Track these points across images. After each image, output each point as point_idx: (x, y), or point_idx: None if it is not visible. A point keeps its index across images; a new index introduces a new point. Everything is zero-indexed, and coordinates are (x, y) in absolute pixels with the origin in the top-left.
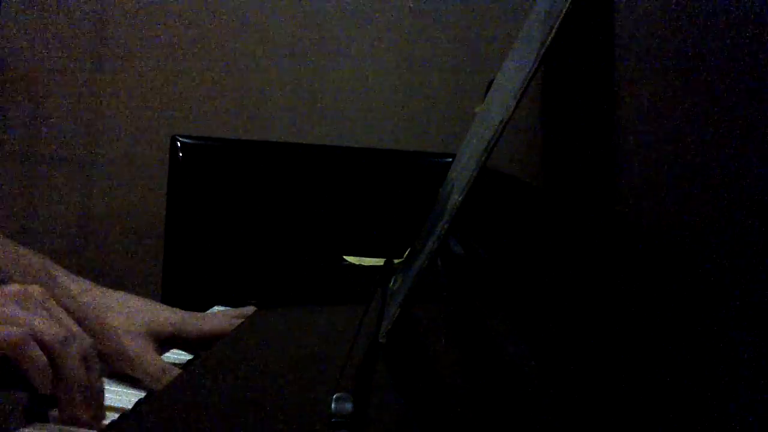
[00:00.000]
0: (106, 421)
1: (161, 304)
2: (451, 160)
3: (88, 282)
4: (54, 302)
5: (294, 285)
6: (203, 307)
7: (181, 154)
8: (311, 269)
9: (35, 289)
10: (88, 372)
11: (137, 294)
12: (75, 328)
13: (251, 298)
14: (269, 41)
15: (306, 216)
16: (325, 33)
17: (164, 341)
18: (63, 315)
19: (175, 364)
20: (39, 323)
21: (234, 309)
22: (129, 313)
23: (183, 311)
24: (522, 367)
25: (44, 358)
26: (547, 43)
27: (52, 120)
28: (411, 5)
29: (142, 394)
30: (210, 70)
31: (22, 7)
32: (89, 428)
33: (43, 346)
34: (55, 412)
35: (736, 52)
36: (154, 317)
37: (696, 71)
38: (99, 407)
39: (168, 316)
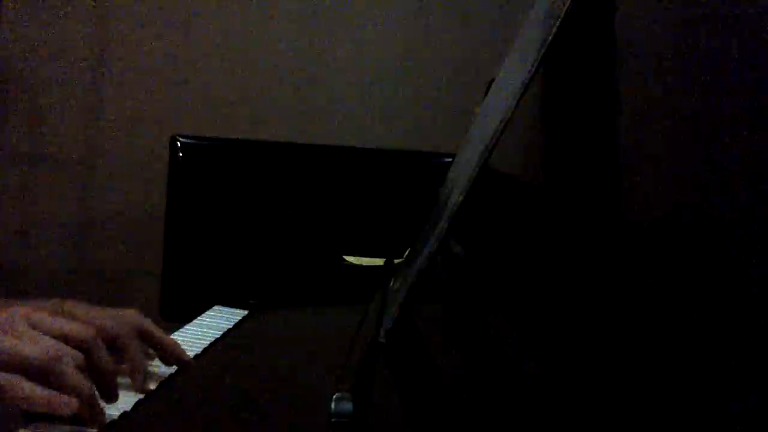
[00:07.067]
0: (107, 421)
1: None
2: (451, 160)
3: None
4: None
5: (294, 285)
6: (203, 307)
7: (181, 154)
8: (311, 269)
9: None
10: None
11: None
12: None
13: (251, 298)
14: (269, 41)
15: (306, 216)
16: (325, 33)
17: None
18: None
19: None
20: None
21: None
22: None
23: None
24: (522, 367)
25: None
26: (547, 43)
27: (52, 120)
28: (411, 5)
29: (142, 395)
30: (210, 70)
31: (22, 7)
32: (90, 428)
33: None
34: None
35: (736, 51)
36: None
37: (696, 71)
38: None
39: None
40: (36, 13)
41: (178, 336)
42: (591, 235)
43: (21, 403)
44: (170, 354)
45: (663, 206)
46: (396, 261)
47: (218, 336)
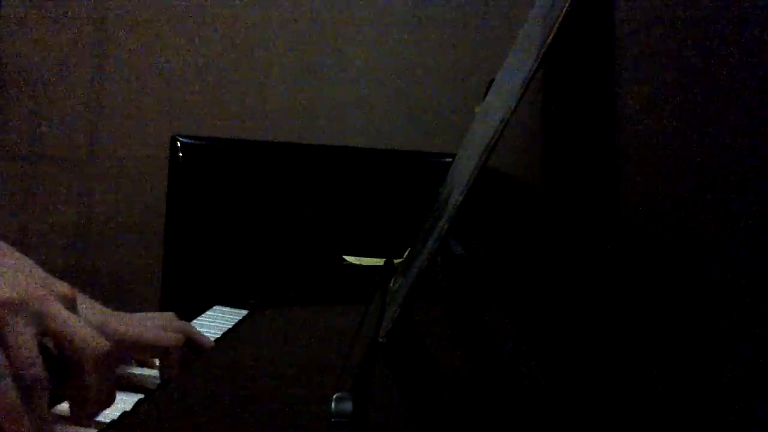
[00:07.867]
0: (107, 421)
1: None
2: (451, 160)
3: None
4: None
5: (294, 285)
6: (203, 307)
7: (181, 154)
8: (311, 269)
9: None
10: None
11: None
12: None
13: (251, 298)
14: (269, 41)
15: (306, 216)
16: (325, 33)
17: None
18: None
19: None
20: None
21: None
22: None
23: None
24: (522, 367)
25: None
26: (547, 43)
27: (52, 120)
28: (411, 6)
29: (142, 394)
30: (210, 70)
31: (22, 7)
32: (87, 428)
33: None
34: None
35: (736, 51)
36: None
37: (696, 71)
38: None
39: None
40: (36, 13)
41: None
42: (590, 235)
43: None
44: None
45: (663, 206)
46: (396, 261)
47: (218, 336)
